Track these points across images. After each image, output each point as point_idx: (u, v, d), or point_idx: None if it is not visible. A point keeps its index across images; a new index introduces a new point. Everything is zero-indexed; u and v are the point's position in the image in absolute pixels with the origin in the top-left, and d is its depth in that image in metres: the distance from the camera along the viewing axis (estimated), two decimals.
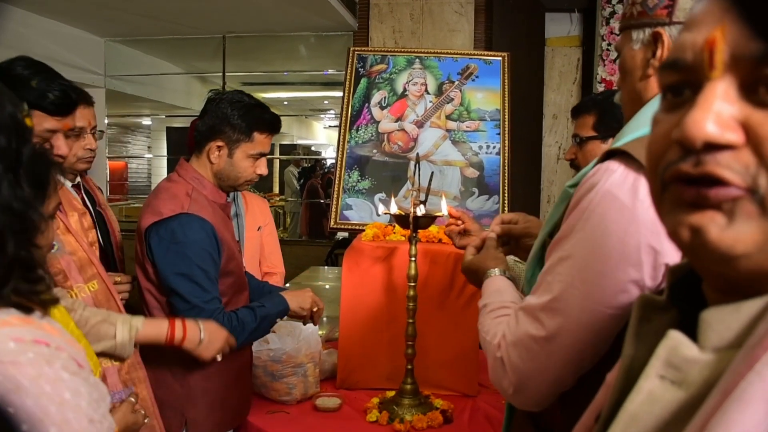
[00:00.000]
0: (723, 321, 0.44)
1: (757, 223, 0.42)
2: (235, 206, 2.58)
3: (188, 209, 1.72)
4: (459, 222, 1.63)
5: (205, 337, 1.63)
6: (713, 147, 0.42)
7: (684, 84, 0.47)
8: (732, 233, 0.42)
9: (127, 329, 1.52)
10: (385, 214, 1.93)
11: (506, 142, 2.62)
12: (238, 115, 1.79)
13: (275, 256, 2.81)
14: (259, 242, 2.72)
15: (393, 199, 2.02)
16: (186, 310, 1.70)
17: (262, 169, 1.87)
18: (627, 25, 1.09)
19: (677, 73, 0.48)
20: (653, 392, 0.46)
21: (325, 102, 9.12)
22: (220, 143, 1.79)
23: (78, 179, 1.96)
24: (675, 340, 0.46)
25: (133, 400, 1.39)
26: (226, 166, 1.81)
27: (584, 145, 2.07)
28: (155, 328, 1.59)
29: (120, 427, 1.26)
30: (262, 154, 1.86)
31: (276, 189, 9.15)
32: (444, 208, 1.95)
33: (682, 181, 0.45)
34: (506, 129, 2.64)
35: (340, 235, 5.18)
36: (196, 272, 1.70)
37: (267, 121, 1.84)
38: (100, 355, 1.45)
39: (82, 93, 1.81)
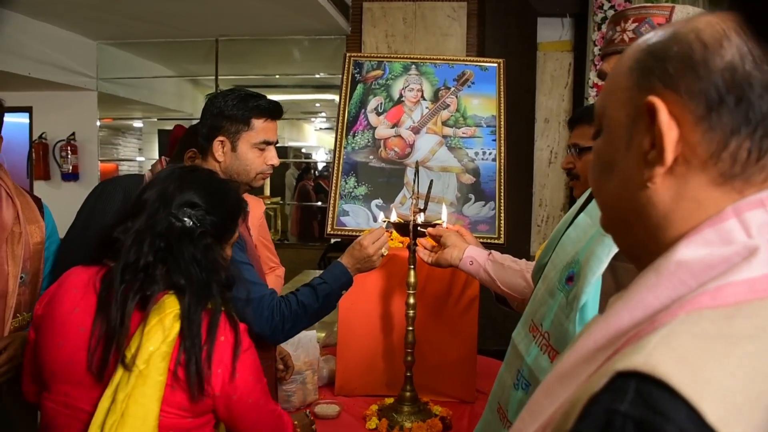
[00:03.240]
0: None
1: None
2: None
3: None
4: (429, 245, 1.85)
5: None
6: None
7: None
8: None
9: None
10: (385, 222, 1.93)
11: (502, 148, 2.63)
12: (232, 105, 1.70)
13: (274, 255, 2.66)
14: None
15: (393, 208, 2.03)
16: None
17: (271, 158, 1.76)
18: (617, 50, 1.16)
19: None
20: None
21: (317, 105, 9.10)
22: (221, 138, 1.70)
23: None
24: None
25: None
26: (232, 162, 1.72)
27: (583, 155, 2.04)
28: None
29: None
30: (268, 143, 1.75)
31: (267, 191, 9.12)
32: (445, 215, 1.96)
33: None
34: (502, 136, 2.65)
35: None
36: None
37: (263, 106, 1.74)
38: None
39: None
